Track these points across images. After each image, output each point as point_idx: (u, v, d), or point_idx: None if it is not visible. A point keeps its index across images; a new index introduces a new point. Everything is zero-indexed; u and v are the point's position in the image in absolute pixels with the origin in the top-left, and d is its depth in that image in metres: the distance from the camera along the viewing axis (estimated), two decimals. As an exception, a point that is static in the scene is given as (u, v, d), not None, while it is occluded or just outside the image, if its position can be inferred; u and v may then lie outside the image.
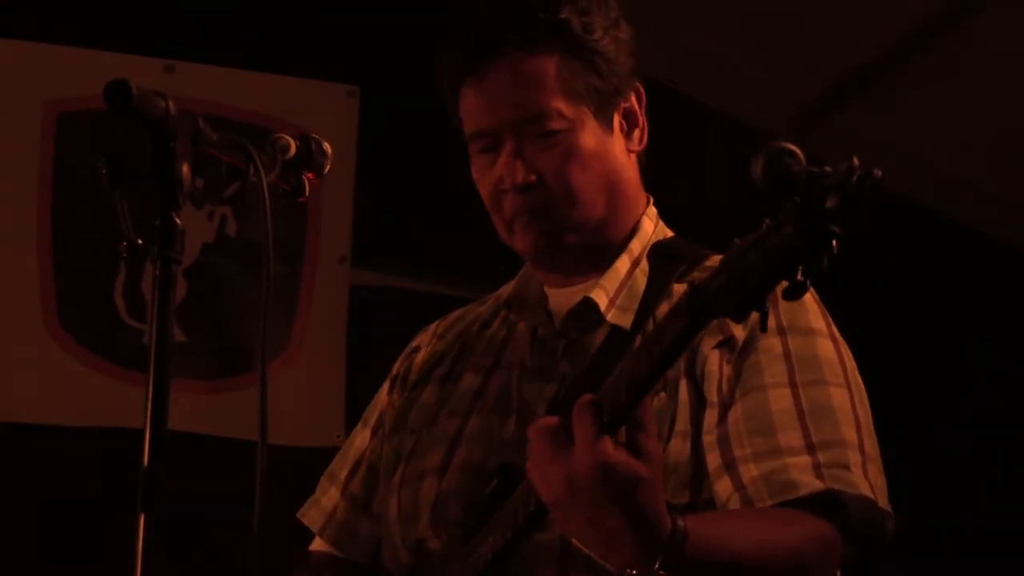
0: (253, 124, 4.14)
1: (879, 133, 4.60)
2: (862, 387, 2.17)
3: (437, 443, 2.32)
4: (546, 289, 2.35)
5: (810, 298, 2.18)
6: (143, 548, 1.70)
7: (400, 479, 2.35)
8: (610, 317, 2.23)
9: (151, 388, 1.74)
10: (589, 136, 2.24)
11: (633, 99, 2.31)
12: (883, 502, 2.06)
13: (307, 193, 2.02)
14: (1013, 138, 4.43)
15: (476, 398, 2.33)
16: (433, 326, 2.55)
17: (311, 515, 2.54)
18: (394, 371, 2.55)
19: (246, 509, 1.78)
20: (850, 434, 2.07)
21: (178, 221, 1.79)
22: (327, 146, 2.03)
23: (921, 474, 4.43)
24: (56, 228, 4.15)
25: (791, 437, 2.04)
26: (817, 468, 2.02)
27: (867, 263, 4.59)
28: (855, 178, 1.53)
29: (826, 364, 2.12)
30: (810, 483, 2.01)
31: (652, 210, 2.36)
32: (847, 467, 2.03)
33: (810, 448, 2.03)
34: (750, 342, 2.12)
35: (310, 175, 2.03)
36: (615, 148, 2.29)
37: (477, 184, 2.32)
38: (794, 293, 1.57)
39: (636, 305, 2.21)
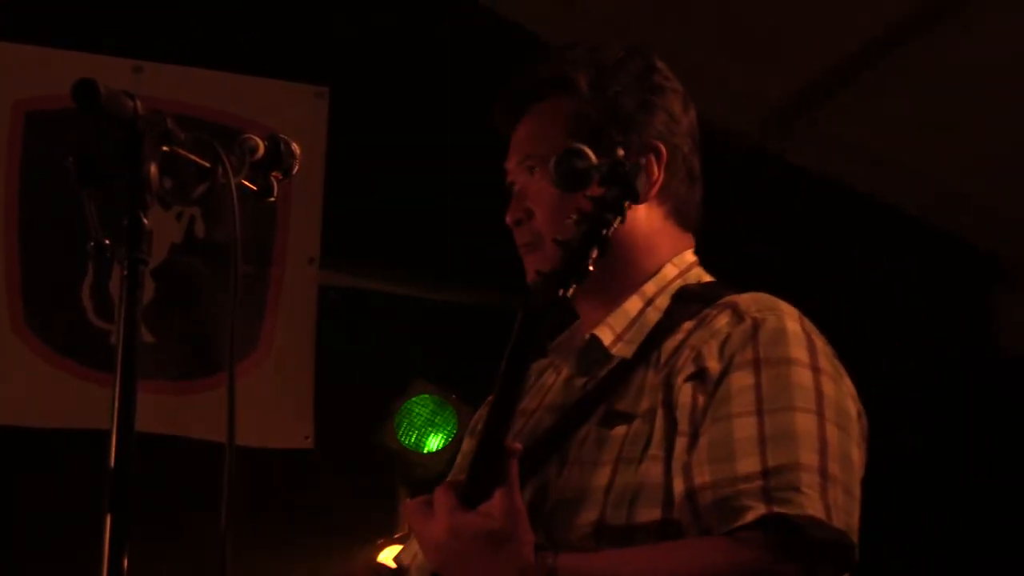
0: (222, 125, 4.13)
1: (852, 135, 4.62)
2: (845, 416, 2.19)
3: None
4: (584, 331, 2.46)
5: (796, 329, 2.23)
6: (110, 549, 1.69)
7: None
8: (615, 350, 2.33)
9: (118, 389, 1.74)
10: None
11: (650, 157, 2.40)
12: (840, 523, 2.07)
13: (276, 194, 2.02)
14: (987, 140, 4.45)
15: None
16: None
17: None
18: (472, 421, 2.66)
19: (214, 510, 1.77)
20: (809, 457, 2.09)
21: (146, 221, 1.79)
22: (296, 147, 2.03)
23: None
24: (23, 228, 4.14)
25: (748, 464, 2.09)
26: (767, 492, 2.06)
27: (840, 265, 4.62)
28: (611, 164, 2.04)
29: (798, 391, 2.16)
30: (756, 508, 2.05)
31: (685, 258, 2.45)
32: (797, 489, 2.05)
33: (765, 474, 2.07)
34: (724, 374, 2.18)
35: (279, 176, 2.02)
36: None
37: None
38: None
39: (642, 338, 2.32)
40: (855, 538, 2.11)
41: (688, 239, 2.48)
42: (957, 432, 4.77)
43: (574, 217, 2.07)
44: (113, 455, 1.72)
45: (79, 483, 2.75)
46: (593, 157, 2.08)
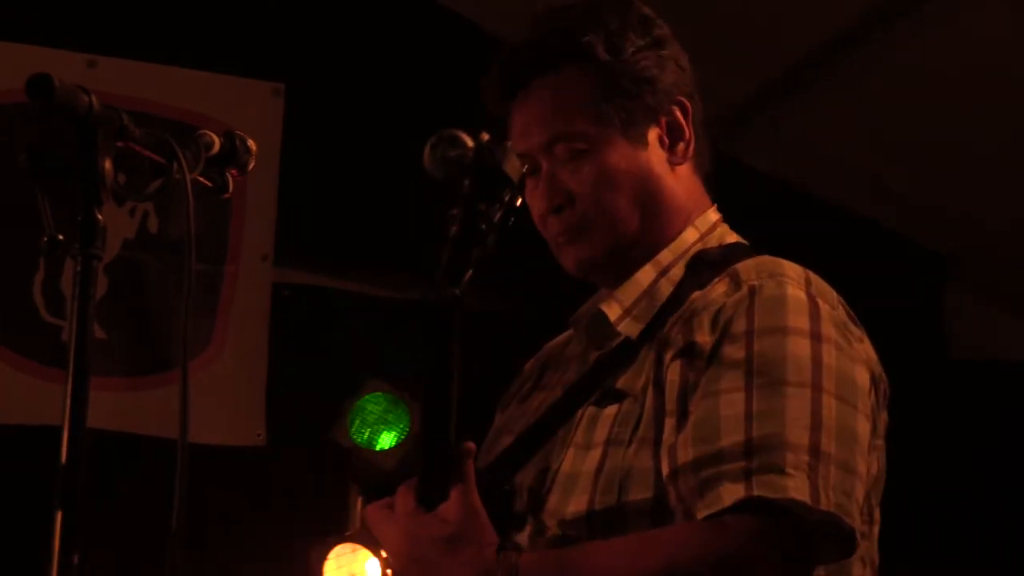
0: (177, 121, 4.11)
1: (806, 136, 4.64)
2: (849, 386, 2.07)
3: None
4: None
5: (797, 294, 2.12)
6: (60, 546, 1.68)
7: None
8: (621, 327, 2.22)
9: (70, 385, 1.73)
10: (616, 154, 2.25)
11: (677, 113, 2.30)
12: (829, 504, 1.96)
13: (231, 190, 2.01)
14: (941, 142, 4.48)
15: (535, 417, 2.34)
16: (547, 347, 2.53)
17: None
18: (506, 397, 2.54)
19: (166, 507, 1.77)
20: (797, 435, 1.98)
21: (100, 217, 1.78)
22: (252, 143, 2.02)
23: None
24: (-28, 223, 4.10)
25: (732, 442, 1.98)
26: (748, 474, 1.95)
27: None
28: (476, 151, 2.00)
29: (791, 363, 2.03)
30: (734, 492, 1.95)
31: (707, 218, 2.32)
32: (781, 471, 1.95)
33: (748, 453, 1.97)
34: (716, 347, 2.07)
35: (234, 172, 2.01)
36: (650, 162, 2.28)
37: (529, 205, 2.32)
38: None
39: (652, 314, 2.20)
40: (853, 519, 1.99)
41: (708, 196, 2.36)
42: (908, 435, 4.79)
43: (455, 211, 2.02)
44: (64, 452, 1.71)
45: (29, 480, 2.73)
46: (469, 142, 2.02)
